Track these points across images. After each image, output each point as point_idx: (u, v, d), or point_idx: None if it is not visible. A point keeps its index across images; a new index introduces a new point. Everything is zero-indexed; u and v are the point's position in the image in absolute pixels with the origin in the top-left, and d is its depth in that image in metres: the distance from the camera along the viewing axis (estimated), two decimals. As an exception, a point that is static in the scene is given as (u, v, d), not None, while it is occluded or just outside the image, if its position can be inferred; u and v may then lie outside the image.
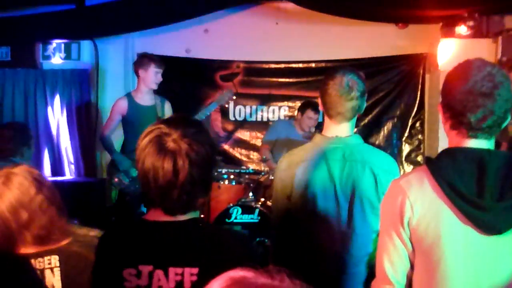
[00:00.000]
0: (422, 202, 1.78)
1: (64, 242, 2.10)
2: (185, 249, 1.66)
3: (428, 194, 1.77)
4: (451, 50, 5.83)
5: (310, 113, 5.83)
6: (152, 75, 5.02)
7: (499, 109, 1.73)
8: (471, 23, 5.77)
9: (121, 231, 1.81)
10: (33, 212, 2.02)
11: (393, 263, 1.85)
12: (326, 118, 2.55)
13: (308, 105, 5.92)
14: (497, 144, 1.85)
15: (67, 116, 6.53)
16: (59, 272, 2.05)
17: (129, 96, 5.18)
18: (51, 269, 2.04)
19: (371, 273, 2.48)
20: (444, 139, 5.96)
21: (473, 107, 1.73)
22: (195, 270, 1.63)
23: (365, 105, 2.53)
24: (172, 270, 1.64)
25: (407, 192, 1.81)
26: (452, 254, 1.74)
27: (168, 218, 1.69)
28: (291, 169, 2.51)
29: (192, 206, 1.71)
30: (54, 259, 2.05)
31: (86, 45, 6.61)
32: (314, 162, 2.47)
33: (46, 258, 2.05)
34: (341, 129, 2.50)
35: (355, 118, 2.54)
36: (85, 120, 6.63)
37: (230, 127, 7.15)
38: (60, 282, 2.04)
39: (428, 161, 1.82)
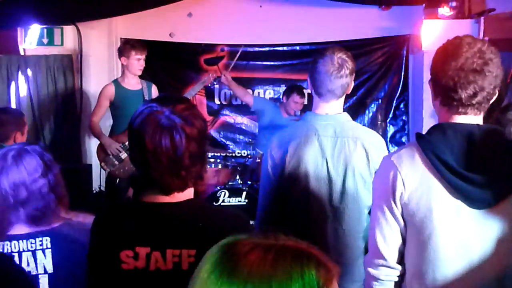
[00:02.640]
0: (413, 177, 1.81)
1: (56, 225, 2.12)
2: (182, 231, 1.66)
3: (419, 169, 1.81)
4: (434, 31, 5.87)
5: (296, 97, 5.85)
6: (135, 62, 5.10)
7: (489, 85, 1.76)
8: (453, 4, 5.82)
9: (117, 212, 1.80)
10: (32, 193, 2.04)
11: (386, 237, 1.89)
12: (315, 97, 2.56)
13: (293, 89, 5.94)
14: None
15: (51, 102, 6.46)
16: (50, 253, 2.07)
17: (115, 82, 5.26)
18: (43, 250, 2.06)
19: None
20: (428, 120, 6.06)
21: (464, 83, 1.76)
22: (192, 252, 1.63)
23: (353, 84, 2.57)
24: (169, 252, 1.64)
25: (398, 167, 1.84)
26: (443, 228, 1.78)
27: (165, 199, 1.69)
28: (282, 146, 2.53)
29: (190, 182, 1.71)
30: (46, 241, 2.07)
31: (69, 30, 6.53)
32: (306, 139, 2.50)
33: (37, 239, 2.07)
34: (331, 107, 2.53)
35: (344, 97, 2.56)
36: (69, 105, 6.57)
37: (215, 110, 7.15)
38: (51, 263, 2.06)
39: (419, 136, 1.84)
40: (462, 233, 1.77)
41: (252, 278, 0.88)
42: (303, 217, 2.54)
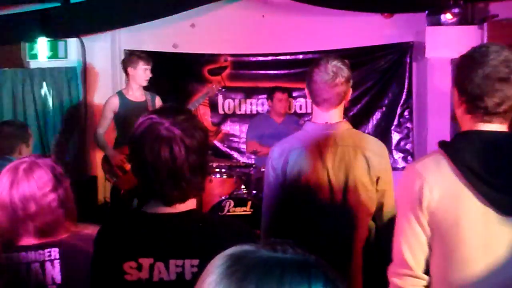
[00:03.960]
0: (441, 185, 1.78)
1: (64, 235, 2.11)
2: (184, 241, 1.66)
3: (446, 177, 1.78)
4: (437, 37, 5.86)
5: (278, 95, 5.99)
6: (141, 72, 5.14)
7: None
8: (456, 10, 5.81)
9: (120, 224, 1.80)
10: (41, 207, 2.04)
11: (412, 247, 1.84)
12: (314, 106, 2.57)
13: (274, 89, 6.10)
14: None
15: (56, 114, 6.49)
16: (58, 264, 2.06)
17: (120, 93, 5.31)
18: (51, 261, 2.05)
19: (367, 261, 2.51)
20: (432, 127, 6.04)
21: (490, 91, 1.75)
22: (195, 262, 1.63)
23: (350, 91, 2.55)
24: (172, 262, 1.64)
25: (424, 176, 1.81)
26: (471, 236, 1.75)
27: (167, 210, 1.69)
28: (283, 156, 2.53)
29: (191, 194, 1.72)
30: (54, 252, 2.07)
31: (72, 43, 6.56)
32: (306, 148, 2.49)
33: (46, 250, 2.06)
34: (330, 116, 2.52)
35: (342, 104, 2.56)
36: (74, 117, 6.59)
37: (219, 120, 7.16)
38: (60, 274, 2.06)
39: (443, 144, 1.83)
40: (490, 240, 1.74)
41: None
42: (305, 226, 2.53)
